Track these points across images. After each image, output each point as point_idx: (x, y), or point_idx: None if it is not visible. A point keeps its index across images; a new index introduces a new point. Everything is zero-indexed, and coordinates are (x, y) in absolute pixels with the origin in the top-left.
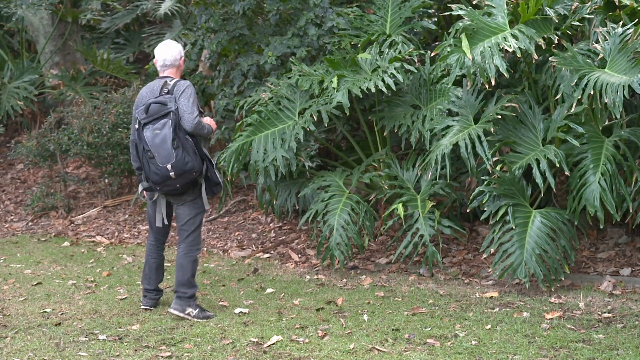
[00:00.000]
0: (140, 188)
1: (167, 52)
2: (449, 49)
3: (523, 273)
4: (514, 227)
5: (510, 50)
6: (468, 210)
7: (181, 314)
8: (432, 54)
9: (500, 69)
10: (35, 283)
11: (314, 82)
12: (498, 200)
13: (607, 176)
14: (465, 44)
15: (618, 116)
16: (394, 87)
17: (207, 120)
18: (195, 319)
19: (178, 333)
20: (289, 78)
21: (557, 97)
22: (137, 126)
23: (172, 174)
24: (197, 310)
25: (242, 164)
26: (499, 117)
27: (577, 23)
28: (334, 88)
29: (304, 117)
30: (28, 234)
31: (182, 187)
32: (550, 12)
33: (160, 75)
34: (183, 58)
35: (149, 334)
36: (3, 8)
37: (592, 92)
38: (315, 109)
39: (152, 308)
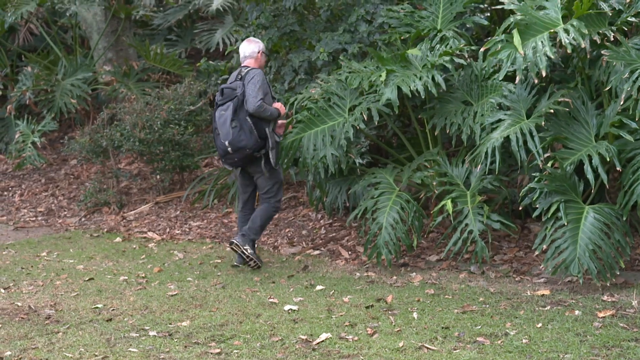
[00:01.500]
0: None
1: (247, 47)
2: (500, 45)
3: (576, 269)
4: (566, 224)
5: (563, 42)
6: (520, 208)
7: (240, 247)
8: (483, 49)
9: (550, 54)
10: (87, 278)
11: (364, 79)
12: (550, 196)
13: None
14: (517, 39)
15: None
16: (444, 86)
17: (278, 105)
18: (249, 256)
19: (227, 330)
20: (339, 74)
21: (607, 88)
22: (215, 107)
23: (229, 149)
24: (253, 251)
25: (292, 160)
26: (551, 112)
27: (633, 19)
28: (382, 82)
29: (354, 115)
30: (81, 230)
31: (241, 161)
32: (604, 6)
33: (241, 65)
34: (261, 52)
35: (198, 330)
36: (57, 4)
37: None
38: (365, 106)
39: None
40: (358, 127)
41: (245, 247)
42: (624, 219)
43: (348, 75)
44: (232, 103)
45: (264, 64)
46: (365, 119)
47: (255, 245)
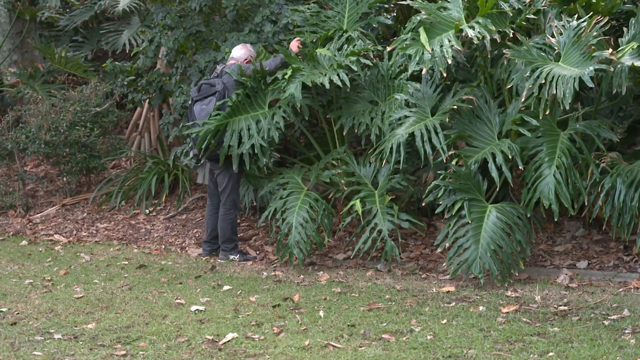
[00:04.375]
0: (190, 154)
1: (237, 50)
2: (407, 42)
3: (478, 269)
4: (469, 222)
5: (471, 36)
6: (424, 204)
7: (226, 260)
8: (390, 48)
9: (458, 47)
10: None
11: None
12: (454, 194)
13: (562, 169)
14: (423, 37)
15: (567, 107)
16: (348, 83)
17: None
18: (239, 261)
19: (133, 331)
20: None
21: (509, 86)
22: (189, 102)
23: (212, 141)
24: (239, 255)
25: (215, 145)
26: (455, 108)
27: (532, 16)
28: (285, 78)
29: (282, 107)
30: None
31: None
32: (505, 6)
33: (224, 64)
34: (248, 60)
35: (104, 332)
36: None
37: (543, 82)
38: (289, 102)
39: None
40: (288, 119)
41: (231, 258)
42: (528, 216)
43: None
44: (214, 98)
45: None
46: (299, 110)
47: (238, 245)
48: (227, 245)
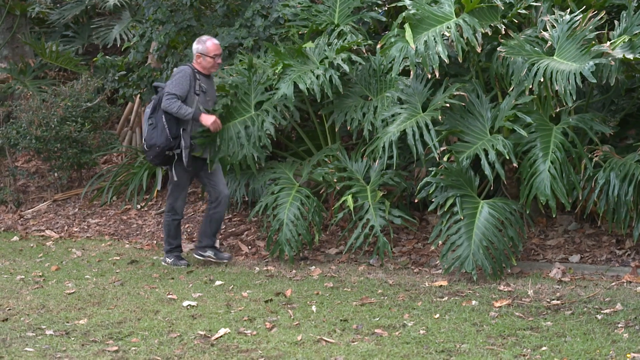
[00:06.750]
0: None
1: (193, 46)
2: (392, 40)
3: (470, 266)
4: (462, 218)
5: (453, 39)
6: (416, 201)
7: (163, 263)
8: (379, 45)
9: (442, 56)
10: None
11: (267, 69)
12: (445, 191)
13: (556, 164)
14: (408, 33)
15: (570, 103)
16: (341, 89)
17: (205, 117)
18: (170, 265)
19: (125, 327)
20: (240, 63)
21: (512, 88)
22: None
23: (145, 146)
24: (172, 259)
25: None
26: (447, 105)
27: (524, 11)
28: (276, 75)
29: (270, 112)
30: None
31: (156, 159)
32: (496, 0)
33: None
34: (199, 54)
35: (96, 328)
36: None
37: (542, 80)
38: (281, 102)
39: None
40: (278, 125)
41: (166, 260)
42: (527, 212)
43: (250, 61)
44: (152, 101)
45: (208, 67)
46: (287, 116)
47: (173, 249)
48: (165, 247)
